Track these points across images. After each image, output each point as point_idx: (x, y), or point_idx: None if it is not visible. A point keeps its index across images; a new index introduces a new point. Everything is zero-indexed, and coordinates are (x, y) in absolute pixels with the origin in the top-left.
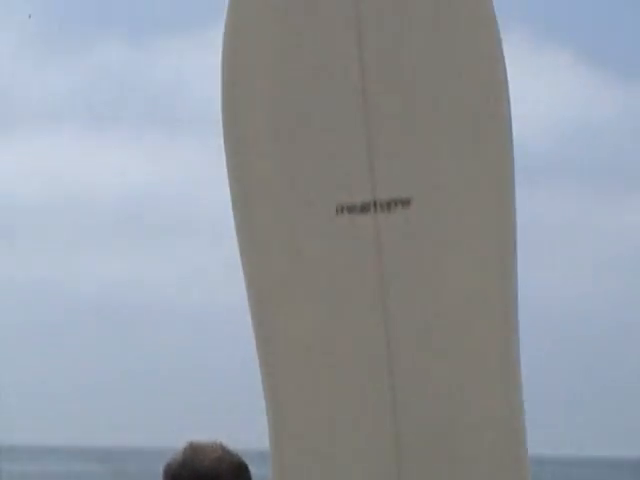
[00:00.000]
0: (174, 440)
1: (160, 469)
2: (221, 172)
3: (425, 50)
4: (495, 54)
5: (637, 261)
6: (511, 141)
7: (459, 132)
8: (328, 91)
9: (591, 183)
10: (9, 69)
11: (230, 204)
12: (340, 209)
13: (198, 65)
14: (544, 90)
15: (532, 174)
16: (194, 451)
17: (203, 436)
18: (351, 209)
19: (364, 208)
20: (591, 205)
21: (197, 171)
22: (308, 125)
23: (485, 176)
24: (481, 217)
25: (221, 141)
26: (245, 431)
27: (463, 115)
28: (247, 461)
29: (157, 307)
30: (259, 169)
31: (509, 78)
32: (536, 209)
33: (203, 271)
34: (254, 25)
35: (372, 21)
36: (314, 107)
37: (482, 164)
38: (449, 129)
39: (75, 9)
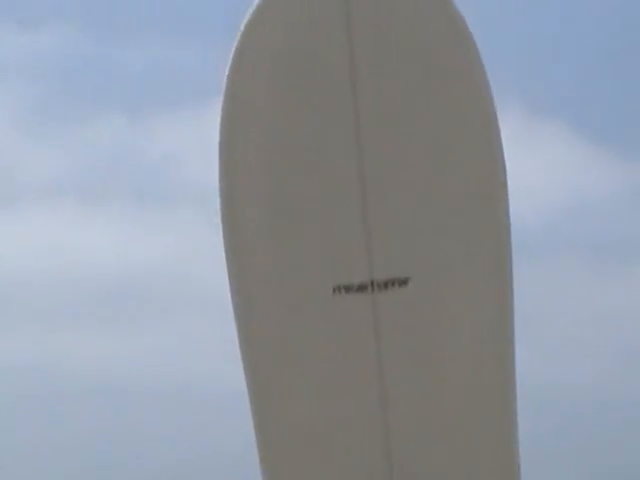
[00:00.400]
0: None
1: None
2: (219, 249)
3: (423, 137)
4: (492, 135)
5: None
6: (508, 220)
7: (456, 213)
8: (325, 175)
9: (590, 259)
10: (5, 145)
11: (228, 284)
12: (337, 289)
13: (198, 140)
14: (540, 165)
15: (529, 250)
16: None
17: None
18: (348, 288)
19: (361, 287)
20: (591, 283)
21: (196, 248)
22: (306, 207)
23: (482, 255)
24: (478, 296)
25: (219, 220)
26: None
27: (460, 196)
28: None
29: (156, 386)
30: (257, 250)
31: (505, 153)
32: (534, 287)
33: (202, 347)
34: (250, 112)
35: (371, 114)
36: (312, 190)
37: (479, 243)
38: (446, 210)
39: (73, 84)
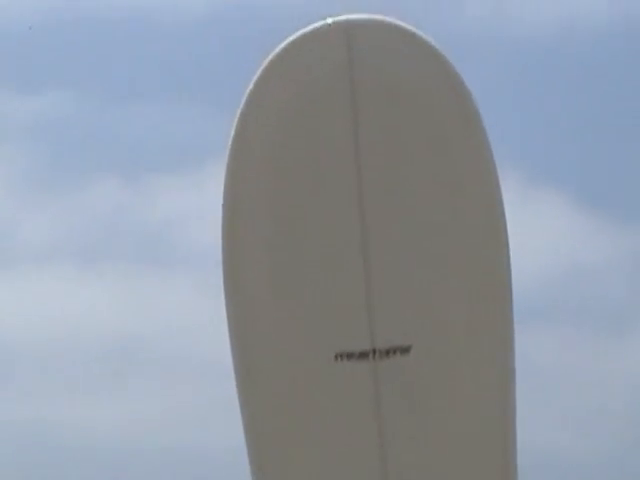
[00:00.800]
0: None
1: None
2: (219, 314)
3: (426, 199)
4: (495, 203)
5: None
6: (510, 287)
7: (459, 280)
8: (328, 240)
9: (587, 324)
10: (2, 210)
11: (230, 350)
12: (339, 356)
13: (195, 203)
14: (536, 232)
15: (527, 318)
16: None
17: None
18: (350, 356)
19: (363, 355)
20: (588, 347)
21: (194, 313)
22: (308, 274)
23: (484, 323)
24: (480, 364)
25: (220, 284)
26: None
27: (463, 263)
28: None
29: (153, 447)
30: (258, 317)
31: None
32: (533, 351)
33: (200, 409)
34: (253, 178)
35: (374, 183)
36: (313, 255)
37: (481, 311)
38: (449, 277)
39: (72, 148)
